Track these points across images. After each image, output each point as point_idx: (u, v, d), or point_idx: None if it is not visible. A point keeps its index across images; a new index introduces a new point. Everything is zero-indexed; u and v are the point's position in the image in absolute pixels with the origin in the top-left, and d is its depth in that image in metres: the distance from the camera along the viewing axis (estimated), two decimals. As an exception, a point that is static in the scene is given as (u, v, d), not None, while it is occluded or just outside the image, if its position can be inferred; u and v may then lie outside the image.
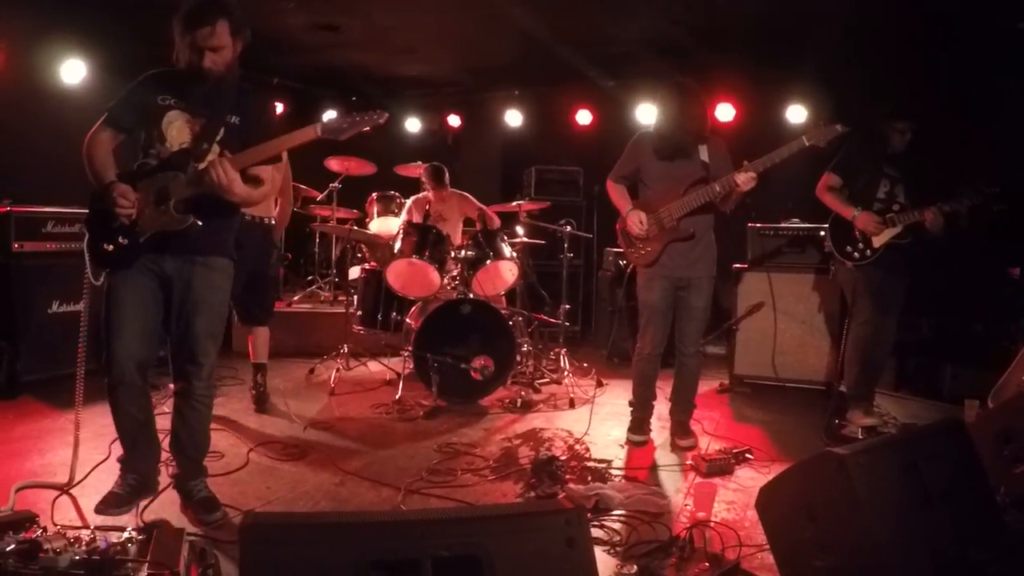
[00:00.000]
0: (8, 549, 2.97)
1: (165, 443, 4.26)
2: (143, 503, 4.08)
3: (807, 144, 4.89)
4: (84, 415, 4.32)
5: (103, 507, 3.97)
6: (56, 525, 3.70)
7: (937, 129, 6.08)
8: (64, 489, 4.19)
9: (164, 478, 4.30)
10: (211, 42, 3.71)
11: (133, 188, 3.75)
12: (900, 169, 5.84)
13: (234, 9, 3.80)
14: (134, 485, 4.08)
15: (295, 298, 9.37)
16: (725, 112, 9.01)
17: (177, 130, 3.83)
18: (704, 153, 5.31)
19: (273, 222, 6.24)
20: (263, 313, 6.36)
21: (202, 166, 3.74)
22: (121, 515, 3.93)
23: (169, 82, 3.88)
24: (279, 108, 10.01)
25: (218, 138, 3.83)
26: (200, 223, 3.78)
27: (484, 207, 7.80)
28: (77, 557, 2.99)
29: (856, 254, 5.80)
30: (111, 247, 3.80)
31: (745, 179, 4.96)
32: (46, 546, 3.01)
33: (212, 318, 4.01)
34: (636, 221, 5.30)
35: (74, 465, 4.28)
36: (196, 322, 3.94)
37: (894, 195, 5.81)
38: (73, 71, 7.83)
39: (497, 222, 7.61)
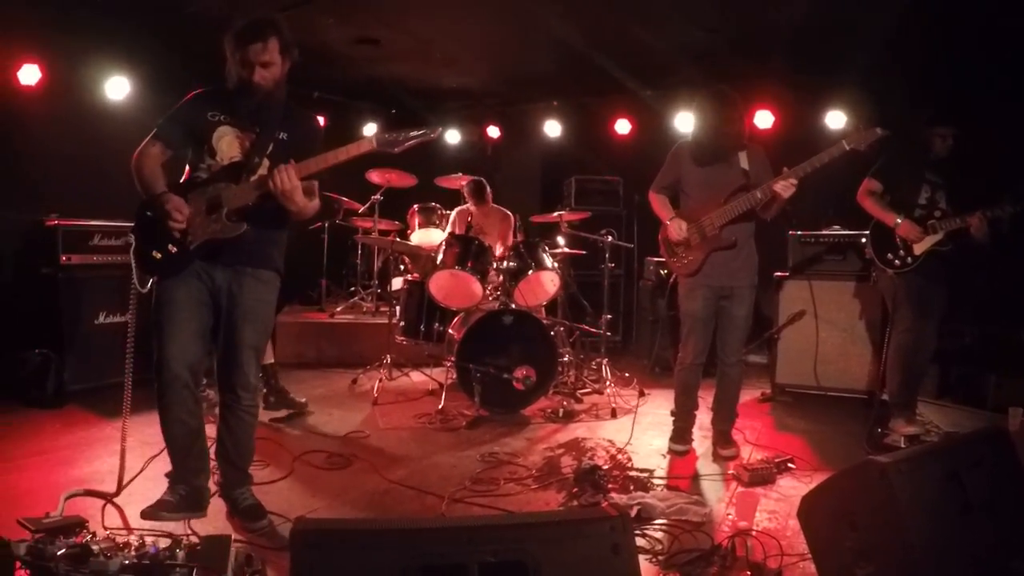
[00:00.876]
0: (59, 553, 3.04)
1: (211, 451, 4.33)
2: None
3: (847, 148, 4.86)
4: (131, 424, 4.40)
5: (151, 511, 3.89)
6: (106, 530, 3.78)
7: (979, 135, 6.03)
8: (109, 498, 4.27)
9: (210, 485, 4.35)
10: (263, 57, 3.82)
11: (184, 198, 3.83)
12: (941, 175, 5.78)
13: (284, 28, 3.92)
14: (184, 496, 4.04)
15: (338, 309, 9.46)
16: (764, 119, 8.97)
17: (227, 144, 3.92)
18: (744, 161, 5.31)
19: None
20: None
21: (254, 178, 3.83)
22: (166, 520, 3.89)
23: (218, 99, 3.98)
24: (320, 121, 10.11)
25: (268, 152, 3.92)
26: (252, 230, 3.86)
27: (517, 238, 7.83)
28: (127, 562, 3.06)
29: (897, 261, 5.77)
30: (160, 255, 3.87)
31: (784, 185, 4.96)
32: (96, 550, 3.09)
33: (258, 329, 4.08)
34: (676, 228, 5.32)
35: (121, 474, 4.34)
36: (243, 333, 4.01)
37: (935, 201, 5.76)
38: (117, 88, 7.98)
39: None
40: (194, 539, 3.42)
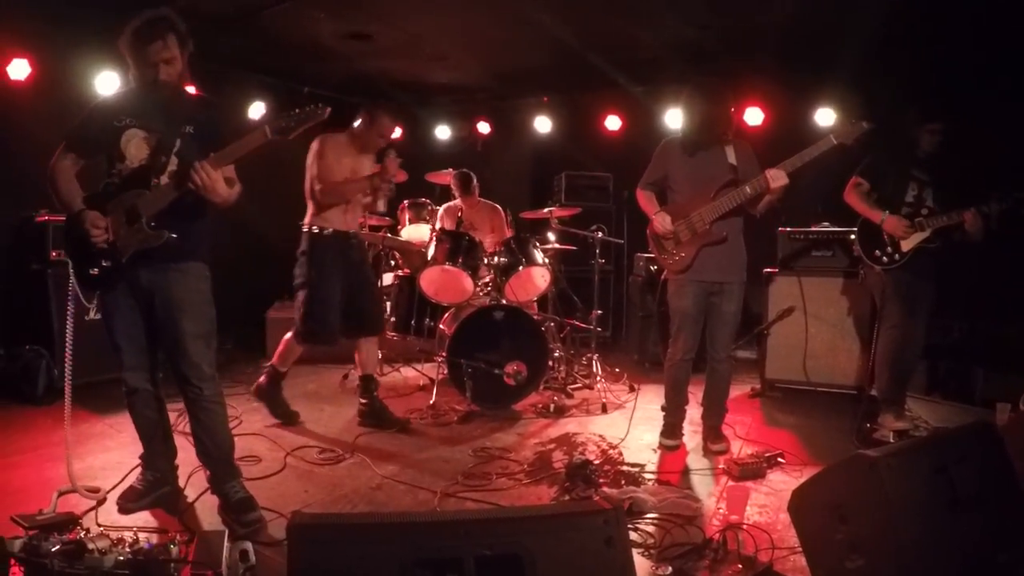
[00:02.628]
0: (54, 549, 3.06)
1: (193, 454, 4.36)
2: (184, 505, 4.24)
3: (835, 142, 4.93)
4: (123, 421, 4.43)
5: (123, 502, 4.19)
6: (99, 526, 3.81)
7: (966, 132, 6.06)
8: (100, 499, 4.29)
9: (204, 482, 4.37)
10: (164, 55, 3.88)
11: (103, 211, 3.90)
12: (929, 173, 5.81)
13: (178, 23, 3.96)
14: (151, 481, 4.28)
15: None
16: (754, 116, 8.99)
17: (135, 147, 3.96)
18: (732, 156, 5.33)
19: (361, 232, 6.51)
20: (367, 324, 6.21)
21: (164, 179, 3.89)
22: (140, 509, 4.16)
23: (123, 103, 4.06)
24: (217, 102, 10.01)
25: (175, 150, 3.94)
26: (175, 236, 3.92)
27: (508, 234, 7.84)
28: (122, 557, 3.09)
29: (884, 258, 5.79)
30: (96, 271, 3.97)
31: (776, 175, 4.98)
32: (91, 546, 3.11)
33: (197, 319, 4.10)
34: (661, 221, 5.34)
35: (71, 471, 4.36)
36: (182, 325, 4.04)
37: (922, 199, 5.78)
38: (108, 83, 7.94)
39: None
40: (188, 535, 3.45)
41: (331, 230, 5.86)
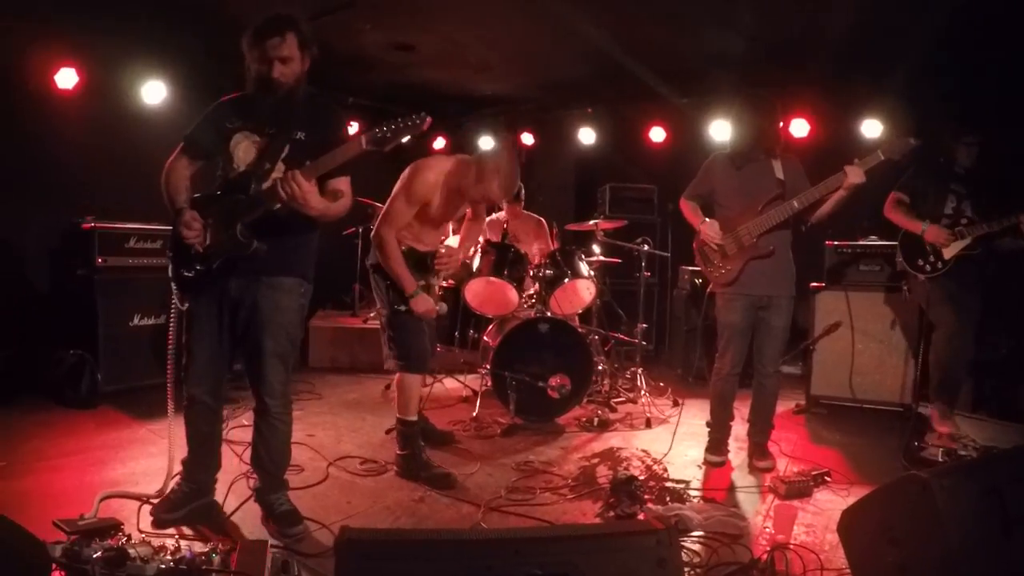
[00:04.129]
0: (95, 556, 3.08)
1: (246, 455, 4.37)
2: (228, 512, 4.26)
3: (883, 158, 4.90)
4: (163, 427, 4.45)
5: (158, 512, 4.14)
6: (141, 533, 3.83)
7: (1002, 144, 6.04)
8: (146, 499, 4.34)
9: (246, 491, 4.41)
10: (280, 52, 3.81)
11: (205, 213, 3.88)
12: (967, 186, 5.88)
13: (303, 24, 3.91)
14: (188, 492, 4.23)
15: (371, 314, 9.48)
16: (799, 128, 8.92)
17: (244, 151, 3.94)
18: (779, 170, 5.31)
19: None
20: (396, 354, 5.34)
21: (267, 185, 3.83)
22: (175, 523, 4.10)
23: (238, 105, 4.03)
24: (354, 127, 10.13)
25: (283, 155, 3.90)
26: (265, 247, 3.86)
27: (553, 246, 7.82)
28: (163, 566, 3.10)
29: (928, 267, 5.86)
30: (190, 274, 3.96)
31: (854, 171, 4.90)
32: (132, 553, 3.12)
33: (279, 338, 4.06)
34: (710, 230, 5.33)
35: (169, 477, 4.40)
36: (263, 343, 4.02)
37: (961, 211, 5.86)
38: (154, 92, 8.05)
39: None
40: (230, 545, 3.46)
41: (407, 247, 5.22)
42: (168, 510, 4.15)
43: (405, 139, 3.75)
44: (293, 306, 4.12)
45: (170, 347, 4.20)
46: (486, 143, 11.38)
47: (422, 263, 5.28)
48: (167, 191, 3.96)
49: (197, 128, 4.03)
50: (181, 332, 4.12)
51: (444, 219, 5.38)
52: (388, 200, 5.15)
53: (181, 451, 4.29)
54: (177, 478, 4.31)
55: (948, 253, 5.77)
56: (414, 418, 5.35)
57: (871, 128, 8.51)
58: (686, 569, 3.74)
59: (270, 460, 4.22)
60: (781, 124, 5.44)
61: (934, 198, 5.93)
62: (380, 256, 5.14)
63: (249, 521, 4.24)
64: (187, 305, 4.02)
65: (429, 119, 3.79)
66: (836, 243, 7.43)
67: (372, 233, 5.21)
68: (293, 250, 4.09)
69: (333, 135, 4.00)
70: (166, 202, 3.98)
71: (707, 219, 5.41)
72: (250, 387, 4.18)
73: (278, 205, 3.75)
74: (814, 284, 7.39)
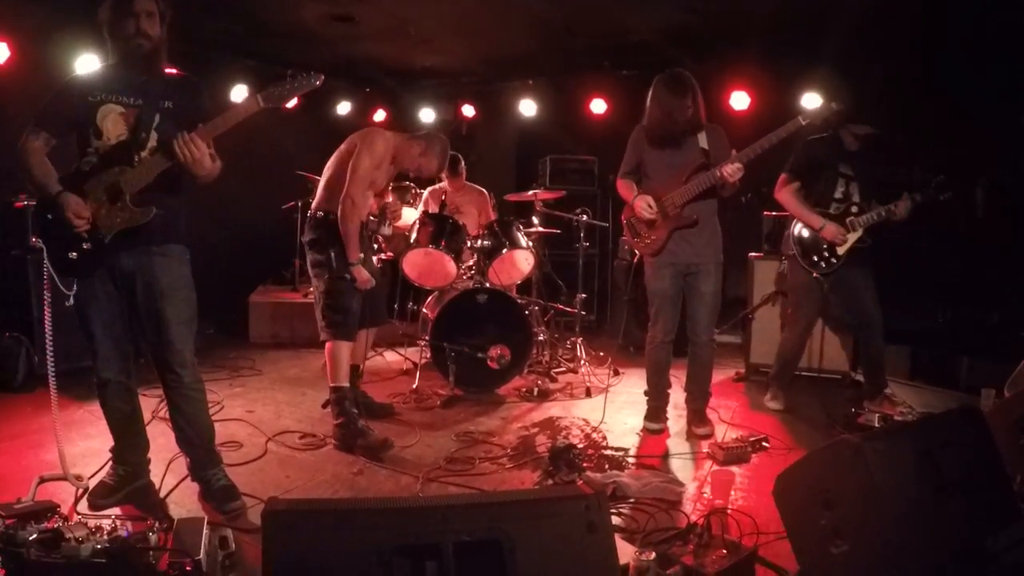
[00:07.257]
0: (31, 538, 3.01)
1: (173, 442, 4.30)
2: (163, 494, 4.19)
3: (803, 123, 4.97)
4: (97, 410, 4.35)
5: (93, 498, 4.08)
6: (78, 515, 3.76)
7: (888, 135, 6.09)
8: (83, 487, 4.22)
9: (183, 470, 4.33)
10: (145, 4, 3.77)
11: (82, 192, 3.76)
12: (853, 168, 5.87)
13: None
14: (123, 476, 4.20)
15: (310, 288, 9.39)
16: (740, 100, 8.94)
17: (112, 123, 3.83)
18: (703, 140, 5.31)
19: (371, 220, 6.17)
20: (376, 314, 5.96)
21: (145, 155, 3.79)
22: (112, 506, 4.03)
23: (98, 78, 3.92)
24: (293, 101, 9.96)
25: (155, 124, 3.84)
26: (162, 212, 3.83)
27: (493, 217, 7.82)
28: (99, 546, 3.04)
29: (823, 263, 5.85)
30: (75, 254, 3.83)
31: (732, 170, 4.98)
32: (68, 535, 3.06)
33: (181, 306, 4.01)
34: (644, 204, 5.31)
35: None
36: (166, 312, 3.94)
37: (849, 194, 5.85)
38: (88, 65, 7.84)
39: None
40: (167, 523, 3.40)
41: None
42: (104, 495, 4.09)
43: (296, 96, 3.91)
44: (186, 272, 4.09)
45: (49, 347, 4.22)
46: (427, 115, 11.35)
47: (360, 234, 5.42)
48: (32, 174, 3.81)
49: (53, 103, 3.88)
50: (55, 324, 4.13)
51: (378, 188, 5.67)
52: (349, 166, 5.36)
53: (80, 446, 4.27)
54: (109, 464, 4.26)
55: (843, 249, 5.77)
56: (345, 384, 5.46)
57: (811, 101, 8.52)
58: (625, 535, 3.78)
59: (195, 434, 4.15)
60: (700, 101, 5.33)
61: (824, 181, 5.90)
62: (345, 217, 5.27)
63: (187, 500, 4.19)
64: (75, 289, 3.92)
65: (322, 77, 3.93)
66: (775, 214, 7.46)
67: (341, 197, 5.31)
68: (175, 217, 4.02)
69: (201, 101, 4.05)
70: (30, 186, 3.87)
71: (638, 194, 5.40)
72: (155, 364, 4.08)
73: (163, 167, 3.76)
74: (752, 254, 7.43)
